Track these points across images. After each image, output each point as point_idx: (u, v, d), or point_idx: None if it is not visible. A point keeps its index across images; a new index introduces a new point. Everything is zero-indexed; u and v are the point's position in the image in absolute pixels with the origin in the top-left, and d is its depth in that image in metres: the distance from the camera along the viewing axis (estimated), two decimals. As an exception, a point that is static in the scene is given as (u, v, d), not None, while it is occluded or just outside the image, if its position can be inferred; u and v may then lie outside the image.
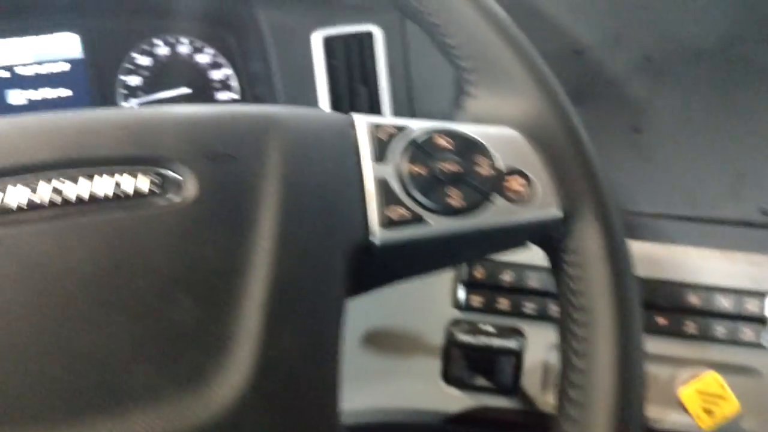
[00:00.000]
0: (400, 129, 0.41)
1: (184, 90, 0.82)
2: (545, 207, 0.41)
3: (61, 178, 0.33)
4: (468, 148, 0.41)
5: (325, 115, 0.42)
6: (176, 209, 0.34)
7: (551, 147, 0.42)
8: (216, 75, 0.83)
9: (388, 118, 0.42)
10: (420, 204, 0.39)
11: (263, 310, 0.34)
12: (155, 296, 0.32)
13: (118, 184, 0.34)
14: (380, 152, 0.40)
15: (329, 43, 0.77)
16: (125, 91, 0.80)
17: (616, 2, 0.75)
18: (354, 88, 0.78)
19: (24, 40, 0.75)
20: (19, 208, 0.32)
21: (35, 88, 0.76)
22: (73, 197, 0.33)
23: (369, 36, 0.77)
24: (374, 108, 0.78)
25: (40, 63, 0.76)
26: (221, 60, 0.83)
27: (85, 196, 0.33)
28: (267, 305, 0.34)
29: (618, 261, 0.39)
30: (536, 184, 0.41)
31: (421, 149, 0.40)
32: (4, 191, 0.32)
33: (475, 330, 0.75)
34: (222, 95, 0.83)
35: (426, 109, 0.78)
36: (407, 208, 0.39)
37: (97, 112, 0.37)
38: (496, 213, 0.40)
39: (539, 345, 0.76)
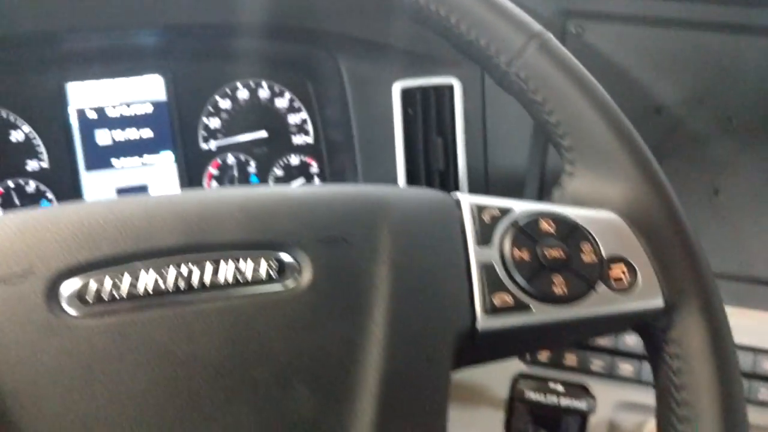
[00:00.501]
0: (504, 211, 0.41)
1: (262, 133, 0.84)
2: (648, 296, 0.40)
3: (188, 264, 0.34)
4: (571, 233, 0.41)
5: (430, 195, 0.42)
6: (293, 295, 0.35)
7: (654, 234, 0.41)
8: (293, 119, 0.85)
9: (491, 199, 0.42)
10: (524, 291, 0.39)
11: (377, 401, 0.34)
12: (274, 385, 0.33)
13: (239, 270, 0.35)
14: (484, 235, 0.40)
15: (407, 93, 0.78)
16: (205, 133, 0.82)
17: (698, 63, 0.74)
18: (429, 138, 0.78)
19: (113, 82, 0.78)
20: (149, 294, 0.33)
21: (121, 128, 0.79)
22: (198, 283, 0.34)
23: (447, 88, 0.78)
24: (449, 158, 0.78)
25: (126, 104, 0.79)
26: (298, 104, 0.85)
27: (210, 281, 0.34)
28: (381, 395, 0.34)
29: (723, 357, 0.39)
30: (639, 272, 0.41)
31: (525, 233, 0.41)
32: (136, 277, 0.34)
33: (543, 388, 0.75)
34: (297, 139, 0.85)
35: (500, 162, 0.78)
36: (511, 295, 0.39)
37: (217, 194, 0.38)
38: (599, 302, 0.40)
39: (605, 403, 0.76)
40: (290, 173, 0.85)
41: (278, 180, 0.85)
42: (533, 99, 0.45)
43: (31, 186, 0.76)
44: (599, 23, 0.76)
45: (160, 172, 0.80)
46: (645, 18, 0.75)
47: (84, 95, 0.77)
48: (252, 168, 0.84)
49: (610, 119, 0.44)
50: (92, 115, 0.78)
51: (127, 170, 0.79)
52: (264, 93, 0.84)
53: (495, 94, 0.77)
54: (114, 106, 0.78)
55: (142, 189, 0.80)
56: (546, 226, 0.41)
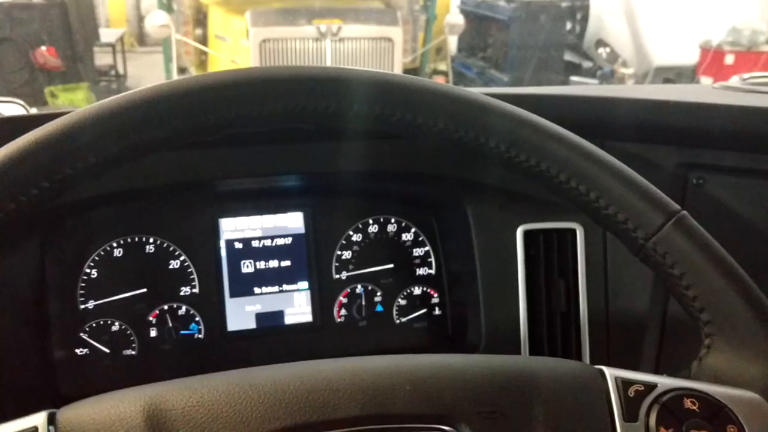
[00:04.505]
0: (648, 387, 0.44)
1: (388, 265, 0.89)
2: None
3: None
4: (715, 413, 0.43)
5: (577, 368, 0.46)
6: None
7: None
8: (417, 252, 0.91)
9: (634, 373, 0.45)
10: None
11: None
12: None
13: None
14: (630, 412, 0.43)
15: (529, 234, 0.82)
16: (337, 264, 0.89)
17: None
18: (551, 279, 0.82)
19: (258, 218, 0.87)
20: None
21: (264, 259, 0.87)
22: None
23: (569, 231, 0.82)
24: (570, 299, 0.81)
25: (268, 237, 0.87)
26: (422, 238, 0.91)
27: None
28: None
29: None
30: (786, 458, 0.42)
31: (670, 411, 0.43)
32: None
33: None
34: (421, 270, 0.90)
35: (621, 306, 0.81)
36: None
37: (387, 363, 0.43)
38: None
39: None
40: (413, 303, 0.90)
41: (400, 309, 0.90)
42: (670, 273, 0.49)
43: (183, 309, 0.84)
44: (718, 175, 0.79)
45: (295, 299, 0.87)
46: (762, 172, 0.78)
47: (233, 229, 0.86)
48: (378, 297, 0.89)
49: (750, 299, 0.46)
50: (239, 246, 0.86)
51: (266, 296, 0.86)
52: (392, 228, 0.90)
53: (617, 240, 0.80)
54: (259, 239, 0.87)
55: (279, 314, 0.86)
56: (689, 404, 0.44)
